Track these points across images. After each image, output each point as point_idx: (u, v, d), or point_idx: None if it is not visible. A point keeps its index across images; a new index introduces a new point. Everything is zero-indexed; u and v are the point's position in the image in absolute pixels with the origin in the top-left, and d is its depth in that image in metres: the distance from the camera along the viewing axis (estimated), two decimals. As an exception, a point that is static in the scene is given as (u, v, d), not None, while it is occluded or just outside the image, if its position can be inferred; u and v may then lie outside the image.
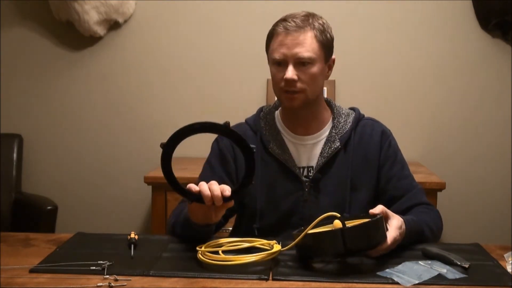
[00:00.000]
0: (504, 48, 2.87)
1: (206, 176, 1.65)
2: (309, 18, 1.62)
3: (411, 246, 1.49)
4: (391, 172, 1.70)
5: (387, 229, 1.41)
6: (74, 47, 2.95)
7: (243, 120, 1.79)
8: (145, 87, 2.96)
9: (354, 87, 2.91)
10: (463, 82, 2.90)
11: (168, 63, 2.94)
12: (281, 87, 1.61)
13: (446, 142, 2.94)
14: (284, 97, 1.63)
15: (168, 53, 2.93)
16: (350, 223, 1.36)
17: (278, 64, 1.61)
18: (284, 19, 1.62)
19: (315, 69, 1.60)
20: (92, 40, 2.92)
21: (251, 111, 1.81)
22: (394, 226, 1.43)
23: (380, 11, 2.87)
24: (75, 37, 2.91)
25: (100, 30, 2.87)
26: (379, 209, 1.43)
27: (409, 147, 2.91)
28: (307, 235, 1.33)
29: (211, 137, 1.77)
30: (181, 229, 1.56)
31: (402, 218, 1.47)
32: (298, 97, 1.61)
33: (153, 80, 2.95)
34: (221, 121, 1.39)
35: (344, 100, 2.82)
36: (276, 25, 1.63)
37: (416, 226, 1.53)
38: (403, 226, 1.45)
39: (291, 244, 1.37)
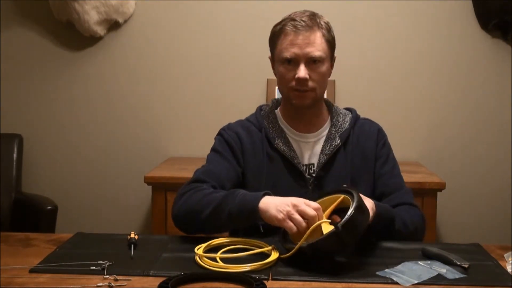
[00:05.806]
0: (504, 48, 2.87)
1: (215, 162, 1.67)
2: (315, 17, 1.64)
3: (383, 235, 1.53)
4: (383, 169, 1.73)
5: None
6: (74, 47, 2.95)
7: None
8: (145, 87, 2.96)
9: (354, 87, 2.91)
10: (463, 82, 2.90)
11: (168, 63, 2.94)
12: (291, 86, 1.63)
13: (446, 142, 2.93)
14: (294, 96, 1.65)
15: (168, 53, 2.93)
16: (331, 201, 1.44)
17: (288, 63, 1.62)
18: (291, 19, 1.63)
19: (324, 68, 1.64)
20: (92, 40, 2.92)
21: (251, 111, 1.81)
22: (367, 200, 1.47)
23: (379, 11, 2.87)
24: (75, 37, 2.91)
25: (100, 30, 2.87)
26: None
27: (409, 147, 2.91)
28: (302, 247, 1.33)
29: (211, 136, 1.77)
30: (212, 213, 1.52)
31: (373, 201, 1.51)
32: (308, 95, 1.64)
33: (153, 80, 2.95)
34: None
35: (344, 100, 2.82)
36: (283, 24, 1.64)
37: (387, 213, 1.55)
38: (374, 208, 1.48)
39: (288, 255, 1.37)
